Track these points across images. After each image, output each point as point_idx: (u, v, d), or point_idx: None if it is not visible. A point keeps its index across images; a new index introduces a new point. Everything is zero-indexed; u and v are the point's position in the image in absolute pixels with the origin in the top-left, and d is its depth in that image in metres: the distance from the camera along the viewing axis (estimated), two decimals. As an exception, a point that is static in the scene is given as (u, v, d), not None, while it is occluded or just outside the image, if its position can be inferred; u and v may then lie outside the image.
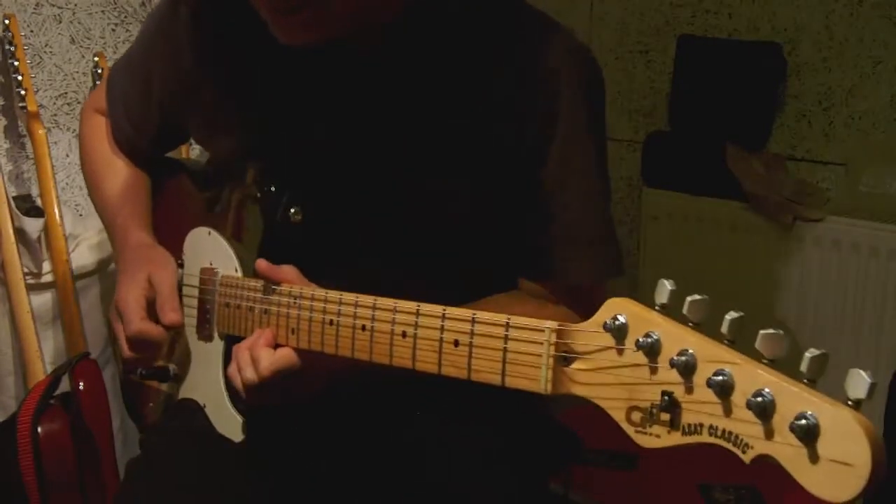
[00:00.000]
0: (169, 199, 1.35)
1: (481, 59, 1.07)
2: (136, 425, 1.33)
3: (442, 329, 0.82)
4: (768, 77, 2.29)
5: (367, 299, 0.90)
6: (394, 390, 1.07)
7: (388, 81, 1.10)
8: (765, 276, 2.27)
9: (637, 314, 0.67)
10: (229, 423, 1.09)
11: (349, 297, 0.92)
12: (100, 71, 2.19)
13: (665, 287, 0.66)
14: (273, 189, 1.08)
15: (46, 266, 2.02)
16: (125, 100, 1.32)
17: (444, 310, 0.82)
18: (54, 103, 2.20)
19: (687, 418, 0.63)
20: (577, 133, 1.07)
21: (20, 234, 1.97)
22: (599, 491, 1.98)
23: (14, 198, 2.04)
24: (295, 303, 0.98)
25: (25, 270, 1.97)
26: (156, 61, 1.24)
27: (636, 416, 0.66)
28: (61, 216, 2.01)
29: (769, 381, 0.59)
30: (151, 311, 1.13)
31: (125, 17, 2.30)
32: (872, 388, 0.56)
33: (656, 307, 0.66)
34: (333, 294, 0.94)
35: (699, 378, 0.62)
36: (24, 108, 2.02)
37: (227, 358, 1.09)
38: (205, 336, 1.15)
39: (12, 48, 2.01)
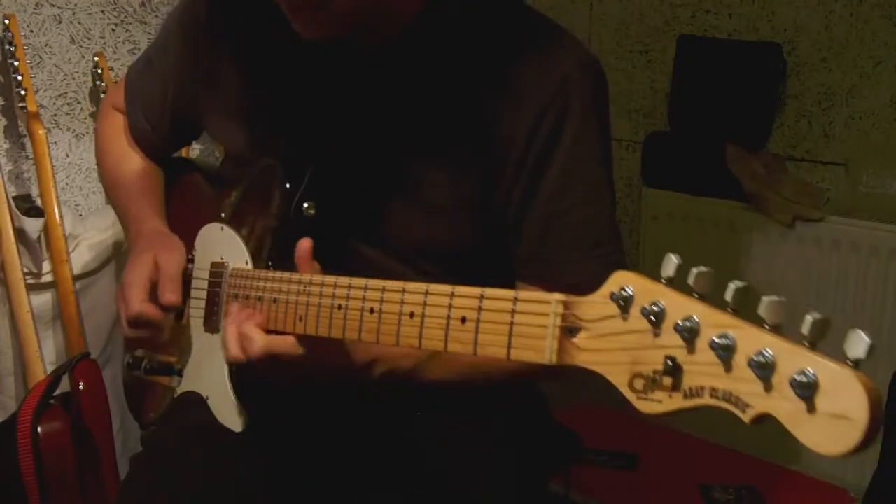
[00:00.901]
0: (181, 197, 1.38)
1: (490, 65, 1.08)
2: (139, 423, 1.33)
3: (450, 307, 0.83)
4: (768, 77, 2.29)
5: (377, 283, 0.90)
6: (394, 390, 1.08)
7: (401, 82, 1.12)
8: (765, 275, 2.28)
9: (644, 285, 0.68)
10: (231, 413, 1.10)
11: (359, 281, 0.93)
12: (100, 71, 2.19)
13: (672, 261, 0.68)
14: (288, 186, 1.09)
15: (46, 266, 2.02)
16: (143, 97, 1.36)
17: (453, 289, 0.83)
18: (54, 103, 2.20)
19: (689, 381, 0.64)
20: (585, 138, 1.08)
21: (20, 234, 1.97)
22: (599, 491, 1.99)
23: (14, 198, 2.04)
24: (304, 290, 0.98)
25: (25, 270, 1.97)
26: (174, 60, 1.28)
27: (638, 382, 0.67)
28: (61, 216, 2.01)
29: (771, 342, 0.60)
30: (155, 293, 1.15)
31: (125, 17, 2.30)
32: (871, 349, 0.58)
33: (662, 280, 0.67)
34: (343, 279, 0.95)
35: (702, 342, 0.64)
36: (24, 108, 2.03)
37: None
38: (212, 328, 1.15)
39: (12, 48, 2.01)
